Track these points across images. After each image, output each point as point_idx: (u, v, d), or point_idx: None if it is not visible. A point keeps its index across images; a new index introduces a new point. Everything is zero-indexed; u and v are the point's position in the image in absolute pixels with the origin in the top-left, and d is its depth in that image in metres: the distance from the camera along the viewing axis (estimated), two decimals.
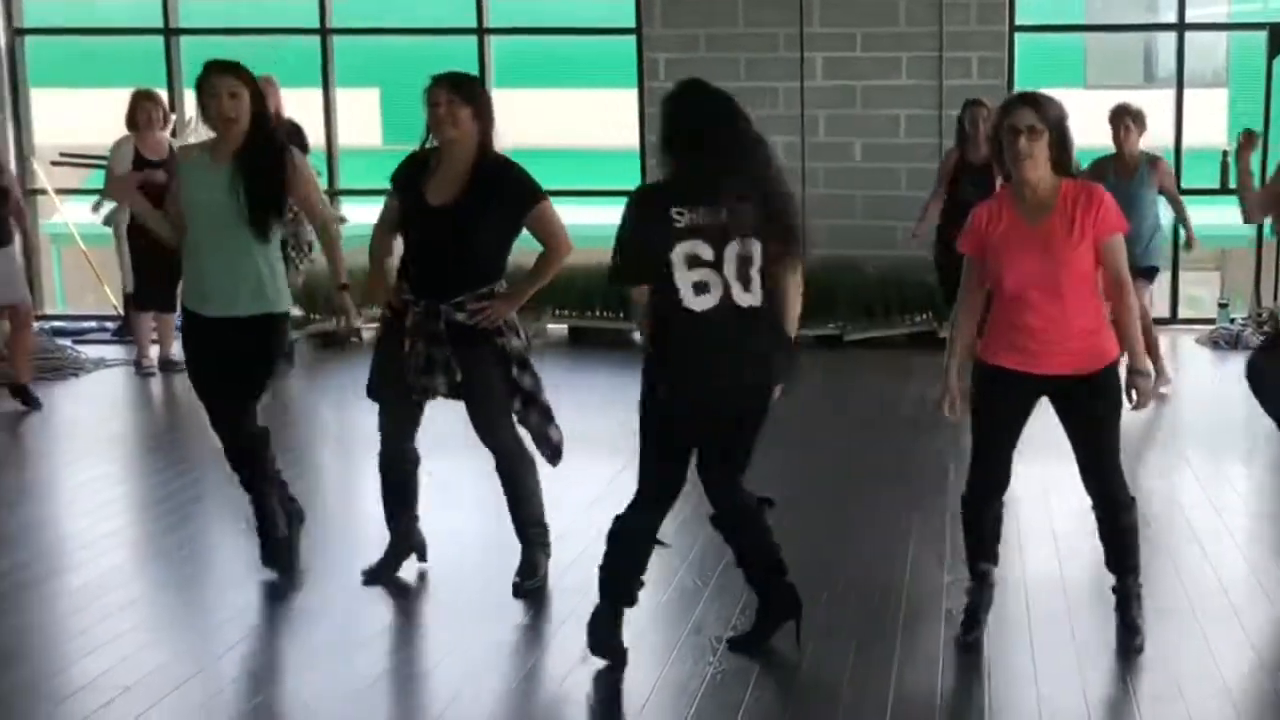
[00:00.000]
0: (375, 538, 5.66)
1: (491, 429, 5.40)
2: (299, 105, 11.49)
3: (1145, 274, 8.45)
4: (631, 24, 11.44)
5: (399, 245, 5.46)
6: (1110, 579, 4.89)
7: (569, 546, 5.83)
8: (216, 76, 5.41)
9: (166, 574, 5.66)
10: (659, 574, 5.63)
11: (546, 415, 5.44)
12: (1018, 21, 11.28)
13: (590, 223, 13.41)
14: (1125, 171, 8.71)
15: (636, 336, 10.32)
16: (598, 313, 11.10)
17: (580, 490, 6.74)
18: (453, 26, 11.99)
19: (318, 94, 11.73)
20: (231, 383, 5.51)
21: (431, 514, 5.73)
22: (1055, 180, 4.65)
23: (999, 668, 4.69)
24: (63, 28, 12.40)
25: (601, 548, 6.00)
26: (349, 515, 6.57)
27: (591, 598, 4.81)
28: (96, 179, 9.49)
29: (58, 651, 5.07)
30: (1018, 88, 10.97)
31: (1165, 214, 9.07)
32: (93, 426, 8.59)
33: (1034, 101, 4.63)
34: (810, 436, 8.06)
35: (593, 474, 7.09)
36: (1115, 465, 4.78)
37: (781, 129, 11.26)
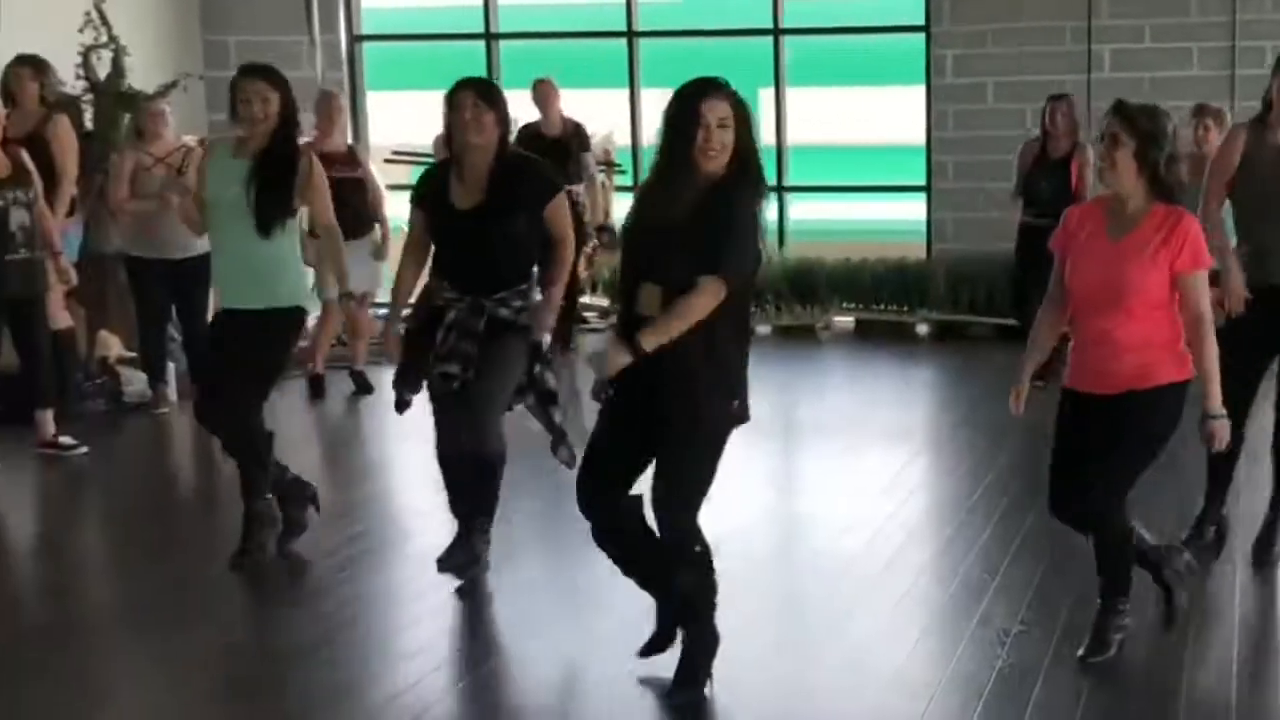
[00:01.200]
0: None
1: (483, 411, 5.23)
2: (607, 106, 11.66)
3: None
4: (920, 21, 11.24)
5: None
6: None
7: (857, 535, 5.78)
8: (248, 81, 5.50)
9: (495, 546, 5.66)
10: (945, 567, 5.53)
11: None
12: None
13: (878, 218, 13.29)
14: (1198, 173, 7.90)
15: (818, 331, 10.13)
16: (883, 305, 10.97)
17: (869, 479, 6.68)
18: (749, 28, 11.99)
19: (624, 95, 11.90)
20: (232, 375, 5.49)
21: None
22: (1149, 198, 4.30)
23: None
24: (396, 34, 12.87)
25: (891, 536, 5.91)
26: None
27: (881, 586, 4.69)
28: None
29: (392, 616, 5.26)
30: None
31: None
32: (418, 408, 8.83)
33: (1123, 111, 4.29)
34: None
35: (880, 463, 7.02)
36: (1112, 487, 4.39)
37: None
